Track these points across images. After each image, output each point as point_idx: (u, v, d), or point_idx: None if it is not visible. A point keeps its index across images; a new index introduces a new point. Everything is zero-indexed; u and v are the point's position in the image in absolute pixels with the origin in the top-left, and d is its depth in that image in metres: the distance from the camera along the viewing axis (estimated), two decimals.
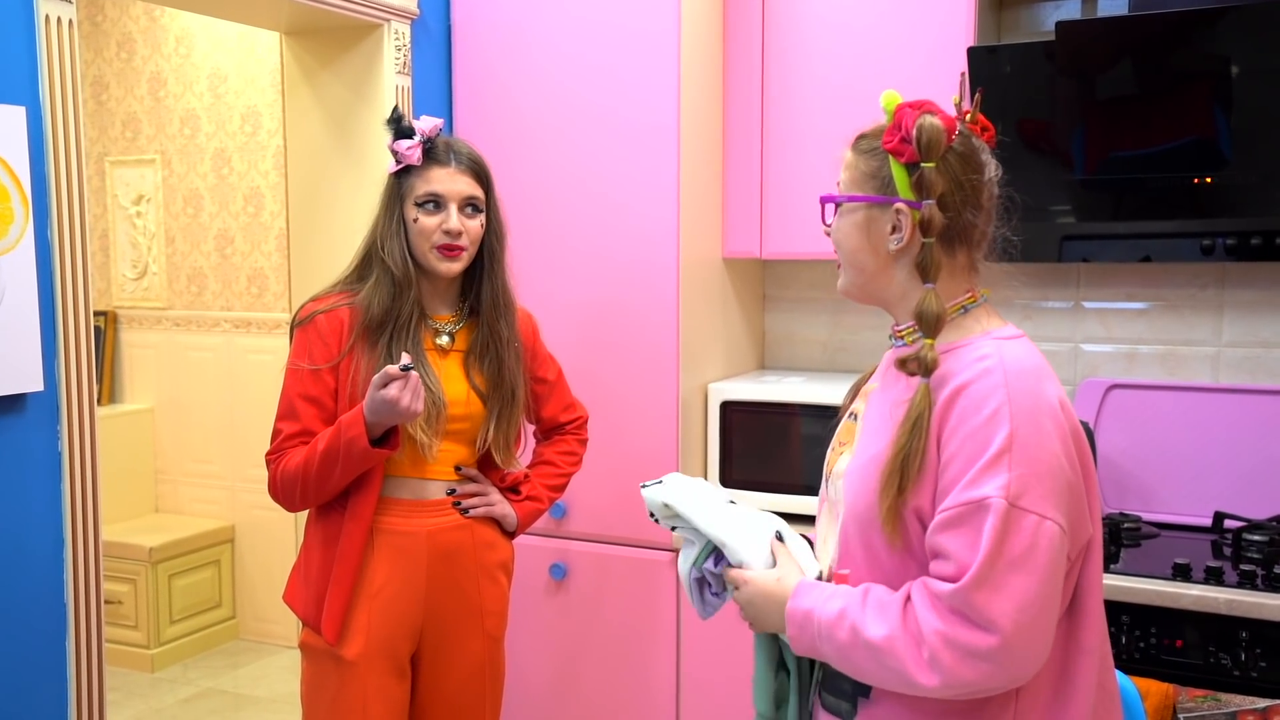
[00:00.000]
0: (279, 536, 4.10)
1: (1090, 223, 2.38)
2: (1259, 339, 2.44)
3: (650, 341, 2.49)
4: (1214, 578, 2.05)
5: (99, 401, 3.25)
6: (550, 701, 2.66)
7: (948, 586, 1.15)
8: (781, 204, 2.60)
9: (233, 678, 3.89)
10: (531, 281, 2.60)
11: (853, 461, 1.31)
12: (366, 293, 1.81)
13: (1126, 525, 2.36)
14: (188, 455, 4.30)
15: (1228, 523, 2.38)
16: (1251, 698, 1.95)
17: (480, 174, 1.89)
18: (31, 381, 1.68)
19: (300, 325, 1.83)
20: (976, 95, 1.37)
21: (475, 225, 1.86)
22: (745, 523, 1.40)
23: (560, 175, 2.56)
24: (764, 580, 1.33)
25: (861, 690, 1.27)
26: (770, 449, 2.54)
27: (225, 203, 4.16)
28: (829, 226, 1.36)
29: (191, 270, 4.26)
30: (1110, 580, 2.08)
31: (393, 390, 1.65)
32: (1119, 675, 1.66)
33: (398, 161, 1.84)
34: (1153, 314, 2.54)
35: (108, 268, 4.41)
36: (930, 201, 1.25)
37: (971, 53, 2.35)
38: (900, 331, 1.33)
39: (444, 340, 1.89)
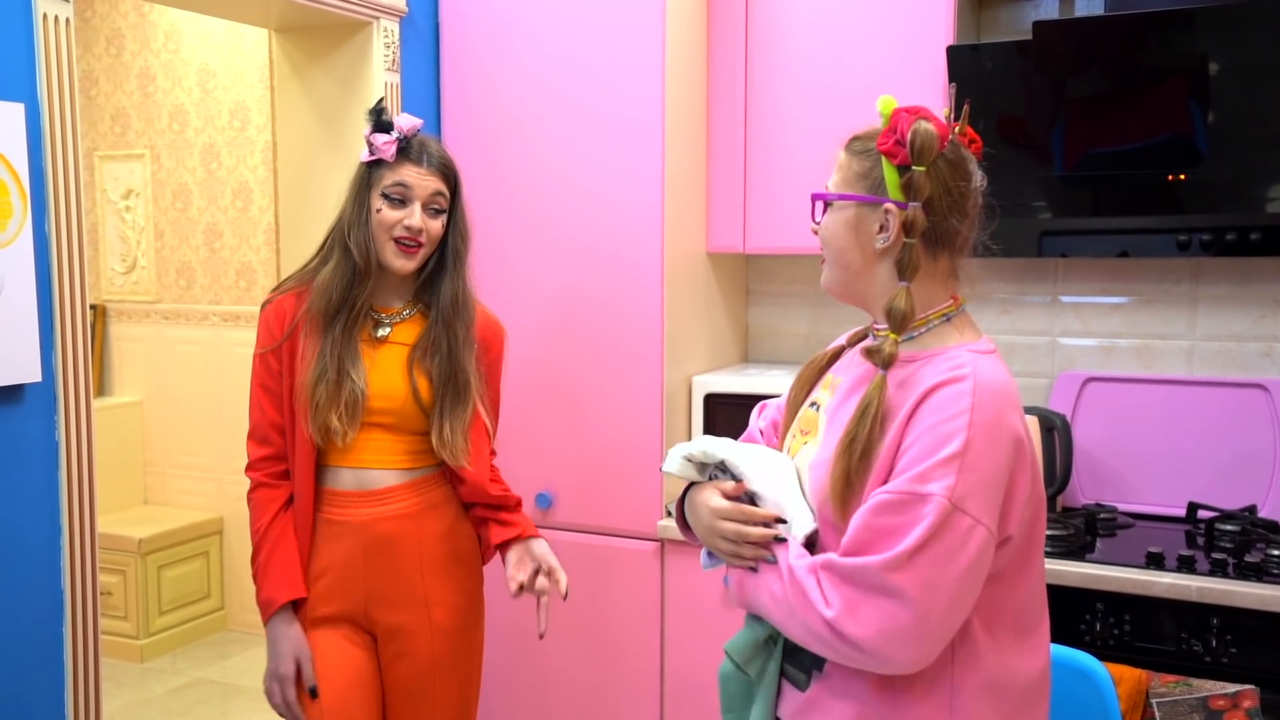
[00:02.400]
0: None
1: (1068, 218, 2.42)
2: (1232, 333, 2.50)
3: (635, 335, 2.52)
4: (1186, 566, 2.10)
5: None
6: (533, 692, 2.70)
7: (857, 561, 1.21)
8: (765, 199, 2.64)
9: (221, 668, 3.92)
10: (516, 275, 2.64)
11: (819, 454, 1.34)
12: (323, 277, 1.85)
13: (1102, 516, 2.41)
14: (176, 447, 4.32)
15: (1201, 513, 2.44)
16: (1222, 683, 2.00)
17: (449, 176, 1.91)
18: (29, 372, 1.71)
19: (260, 313, 1.92)
20: (965, 106, 1.42)
21: (436, 225, 1.89)
22: (771, 468, 1.38)
23: (546, 170, 2.60)
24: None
25: (817, 663, 1.33)
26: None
27: (214, 197, 4.18)
28: (818, 224, 1.40)
29: (180, 264, 4.28)
30: (1085, 569, 2.13)
31: (276, 693, 1.82)
32: (1092, 659, 1.72)
33: (371, 153, 1.86)
34: (1129, 308, 2.59)
35: (97, 261, 4.43)
36: (917, 204, 1.30)
37: (951, 51, 2.39)
38: (880, 330, 1.37)
39: (382, 331, 1.91)
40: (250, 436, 1.89)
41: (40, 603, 1.78)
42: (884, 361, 1.28)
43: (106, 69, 4.31)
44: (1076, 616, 2.15)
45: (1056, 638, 2.13)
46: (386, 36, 2.51)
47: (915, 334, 1.34)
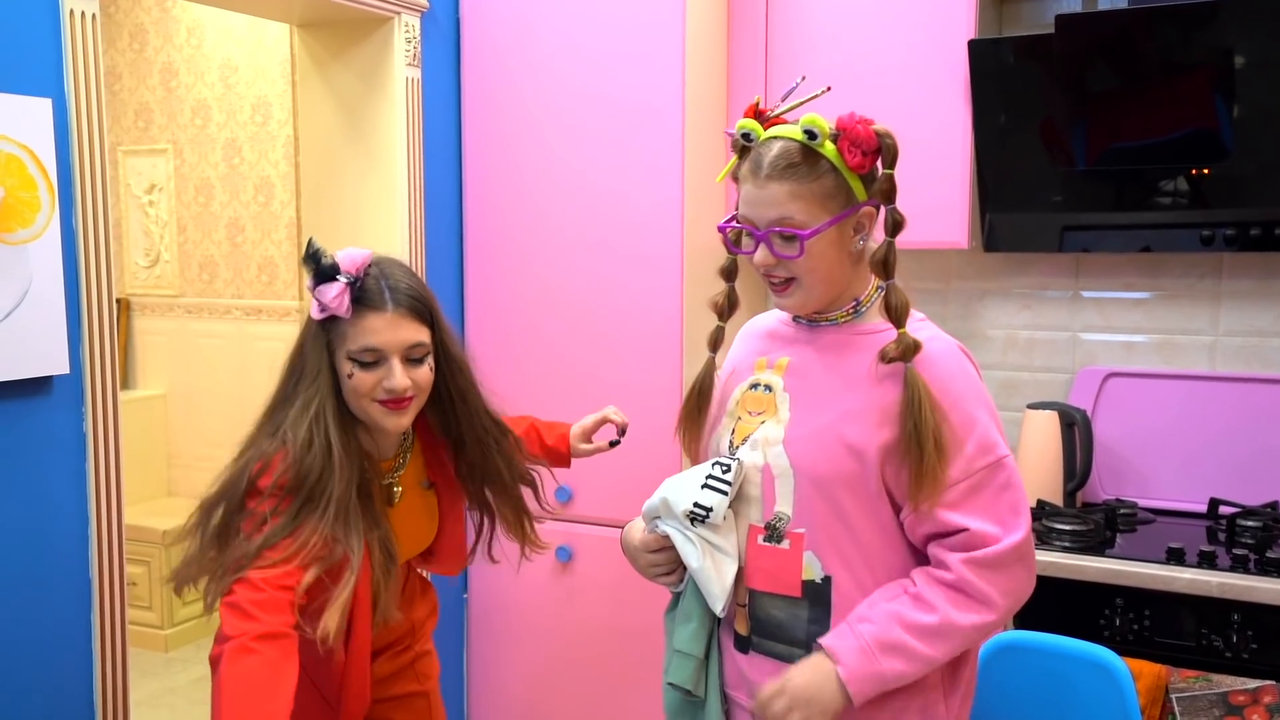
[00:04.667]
0: None
1: (1090, 213, 2.41)
2: (1255, 328, 2.48)
3: (654, 329, 2.53)
4: (1207, 562, 2.09)
5: None
6: (554, 684, 2.72)
7: (998, 549, 1.33)
8: None
9: None
10: (536, 270, 2.65)
11: (794, 429, 1.41)
12: (310, 463, 1.50)
13: (1123, 511, 2.41)
14: (199, 440, 4.36)
15: (1222, 509, 2.43)
16: (1242, 678, 2.00)
17: (423, 313, 1.58)
18: (58, 365, 1.74)
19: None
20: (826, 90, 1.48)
21: (423, 373, 1.58)
22: (683, 476, 1.46)
23: (566, 164, 2.60)
24: (796, 675, 1.36)
25: (819, 636, 1.38)
26: None
27: (236, 192, 4.21)
28: (792, 258, 1.38)
29: (203, 258, 4.31)
30: (1105, 564, 2.12)
31: None
32: (1112, 654, 1.72)
33: (321, 310, 1.52)
34: (1151, 303, 2.58)
35: (121, 255, 4.47)
36: (893, 205, 1.39)
37: (973, 45, 2.39)
38: (832, 315, 1.45)
39: (396, 492, 1.67)
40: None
41: (68, 593, 1.81)
42: (911, 354, 1.35)
43: (130, 64, 4.35)
44: (1096, 611, 2.14)
45: (1076, 632, 2.13)
46: (408, 31, 2.52)
47: (865, 309, 1.45)
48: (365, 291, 1.52)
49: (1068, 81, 2.34)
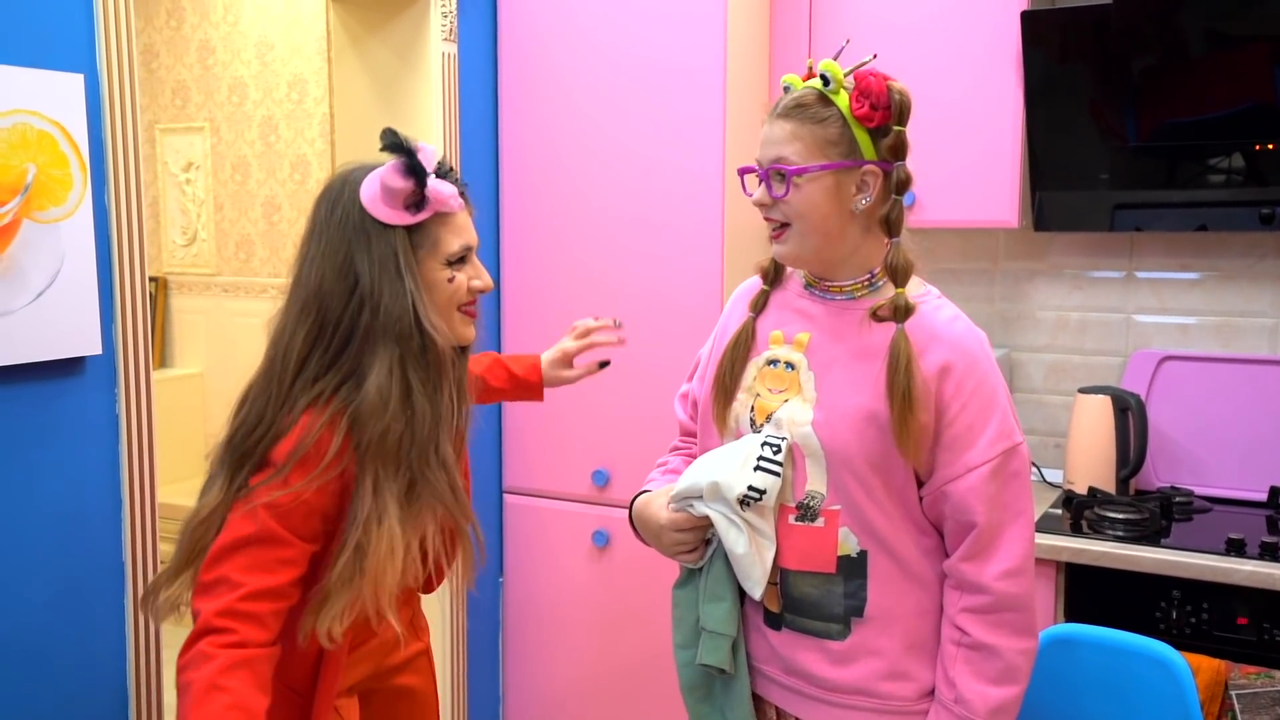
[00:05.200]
0: None
1: (1143, 190, 2.33)
2: None
3: (694, 308, 2.48)
4: (1269, 553, 2.02)
5: None
6: (593, 669, 2.69)
7: (1017, 588, 1.36)
8: None
9: None
10: (573, 248, 2.60)
11: (822, 413, 1.38)
12: (389, 397, 1.33)
13: (1178, 499, 2.33)
14: None
15: None
16: None
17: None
18: (90, 345, 1.71)
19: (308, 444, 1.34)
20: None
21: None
22: (727, 457, 1.41)
23: (605, 139, 2.55)
24: None
25: (856, 610, 1.39)
26: None
27: (272, 170, 4.19)
28: (780, 197, 1.38)
29: (240, 237, 4.31)
30: (1161, 555, 2.05)
31: None
32: (1171, 649, 1.65)
33: (421, 207, 1.36)
34: (1208, 284, 2.49)
35: (158, 234, 4.47)
36: (902, 163, 1.37)
37: (1026, 16, 2.30)
38: (847, 286, 1.43)
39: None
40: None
41: (102, 576, 1.79)
42: (904, 315, 1.35)
43: (167, 41, 4.34)
44: (1152, 604, 2.07)
45: (1131, 625, 2.06)
46: (444, 6, 2.47)
47: (880, 284, 1.41)
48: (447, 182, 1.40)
49: (1122, 54, 2.25)
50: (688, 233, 2.47)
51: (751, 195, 1.43)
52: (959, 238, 2.73)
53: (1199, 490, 2.44)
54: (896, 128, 1.36)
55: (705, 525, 1.43)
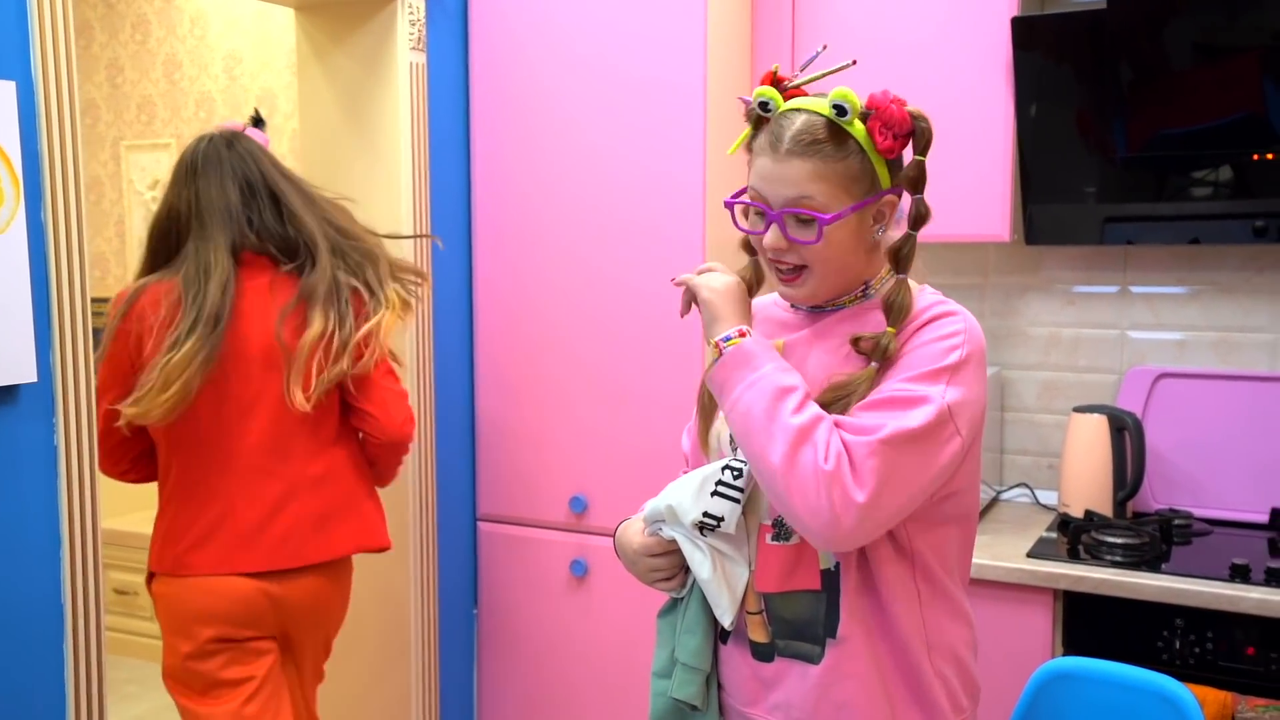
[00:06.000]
0: None
1: (1133, 203, 2.26)
2: None
3: (675, 324, 2.38)
4: (1275, 579, 1.93)
5: None
6: (572, 704, 2.57)
7: (862, 439, 1.19)
8: None
9: None
10: (550, 265, 2.50)
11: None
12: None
13: (1177, 522, 2.24)
14: None
15: None
16: None
17: None
18: (24, 372, 1.60)
19: None
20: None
21: None
22: (689, 481, 1.33)
23: (581, 152, 2.46)
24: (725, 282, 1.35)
25: (830, 630, 1.29)
26: None
27: None
28: (808, 243, 1.26)
29: None
30: (1163, 582, 1.96)
31: None
32: (1177, 684, 1.56)
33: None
34: (1205, 298, 2.41)
35: (124, 254, 4.35)
36: (920, 196, 1.28)
37: (1016, 22, 2.23)
38: (837, 302, 1.34)
39: None
40: None
41: (41, 613, 1.67)
42: (884, 357, 1.25)
43: (132, 56, 4.22)
44: (1154, 633, 1.98)
45: (1132, 656, 1.97)
46: (412, 14, 2.38)
47: (873, 292, 1.34)
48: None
49: (1112, 62, 2.19)
50: (668, 249, 2.38)
51: (755, 233, 1.30)
52: (949, 252, 2.64)
53: (1198, 512, 2.35)
54: (917, 157, 1.27)
55: (679, 551, 1.34)
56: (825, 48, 1.36)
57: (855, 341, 1.27)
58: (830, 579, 1.29)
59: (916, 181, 1.27)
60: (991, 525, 2.35)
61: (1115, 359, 2.49)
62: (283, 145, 3.98)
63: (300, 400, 1.86)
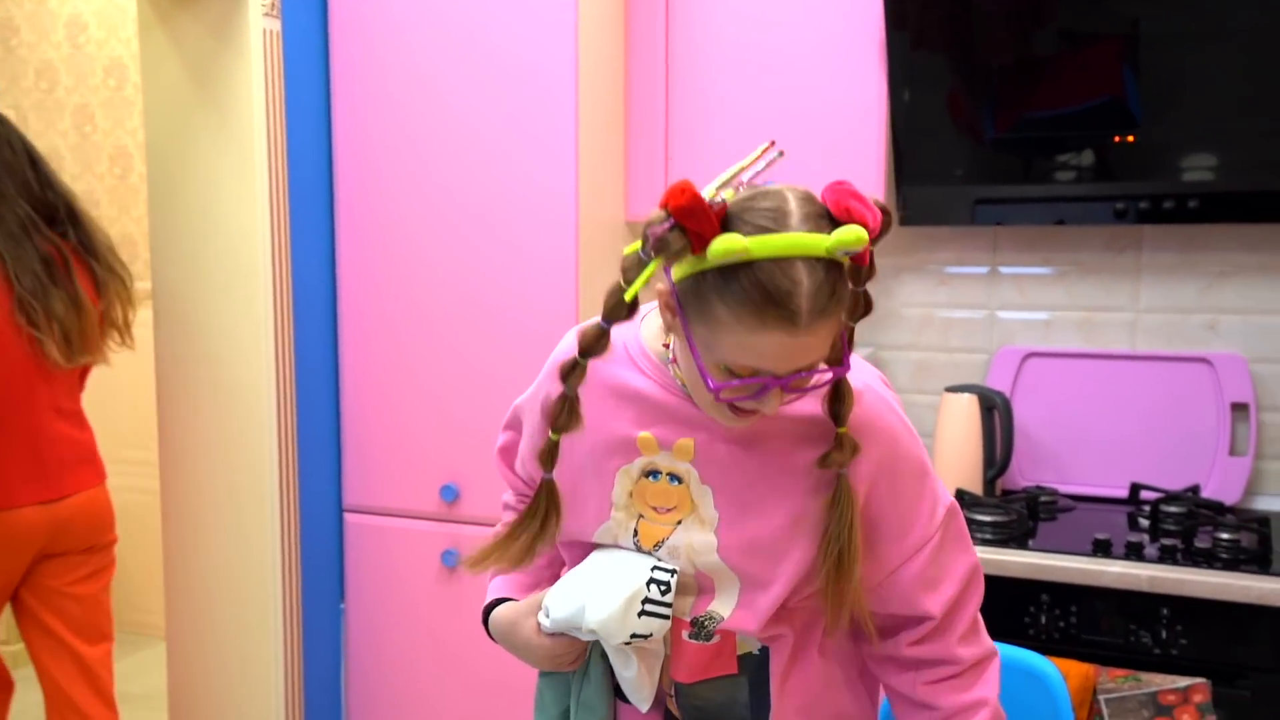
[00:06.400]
0: (155, 521, 3.83)
1: (1002, 185, 2.29)
2: (1176, 305, 2.38)
3: (547, 311, 2.31)
4: (1135, 553, 1.98)
5: None
6: (444, 699, 2.49)
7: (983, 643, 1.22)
8: (688, 164, 2.44)
9: None
10: (417, 249, 2.40)
11: (729, 534, 1.14)
12: None
13: (1043, 499, 2.29)
14: None
15: (1144, 494, 2.33)
16: (1173, 676, 1.89)
17: None
18: None
19: None
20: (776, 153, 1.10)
21: None
22: (607, 593, 1.17)
23: (449, 133, 2.36)
24: None
25: (761, 713, 1.20)
26: None
27: (89, 163, 3.83)
28: (806, 392, 1.09)
29: None
30: (1029, 558, 1.99)
31: None
32: (1043, 659, 1.58)
33: None
34: (1069, 279, 2.46)
35: None
36: (863, 288, 1.07)
37: (889, 4, 2.22)
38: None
39: None
40: None
41: None
42: (848, 459, 1.11)
43: None
44: (1021, 609, 2.01)
45: (999, 632, 2.00)
46: None
47: None
48: None
49: (981, 43, 2.20)
50: (540, 230, 2.31)
51: (742, 399, 1.04)
52: None
53: (1063, 488, 2.41)
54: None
55: (588, 642, 1.23)
56: (774, 145, 1.10)
57: (823, 464, 1.10)
58: (753, 662, 1.20)
59: (864, 276, 1.05)
60: None
61: (985, 339, 2.53)
62: (134, 119, 3.76)
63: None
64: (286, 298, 2.36)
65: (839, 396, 1.10)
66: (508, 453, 1.40)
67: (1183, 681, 1.88)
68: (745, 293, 0.95)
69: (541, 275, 2.32)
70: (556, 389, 1.11)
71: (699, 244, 0.96)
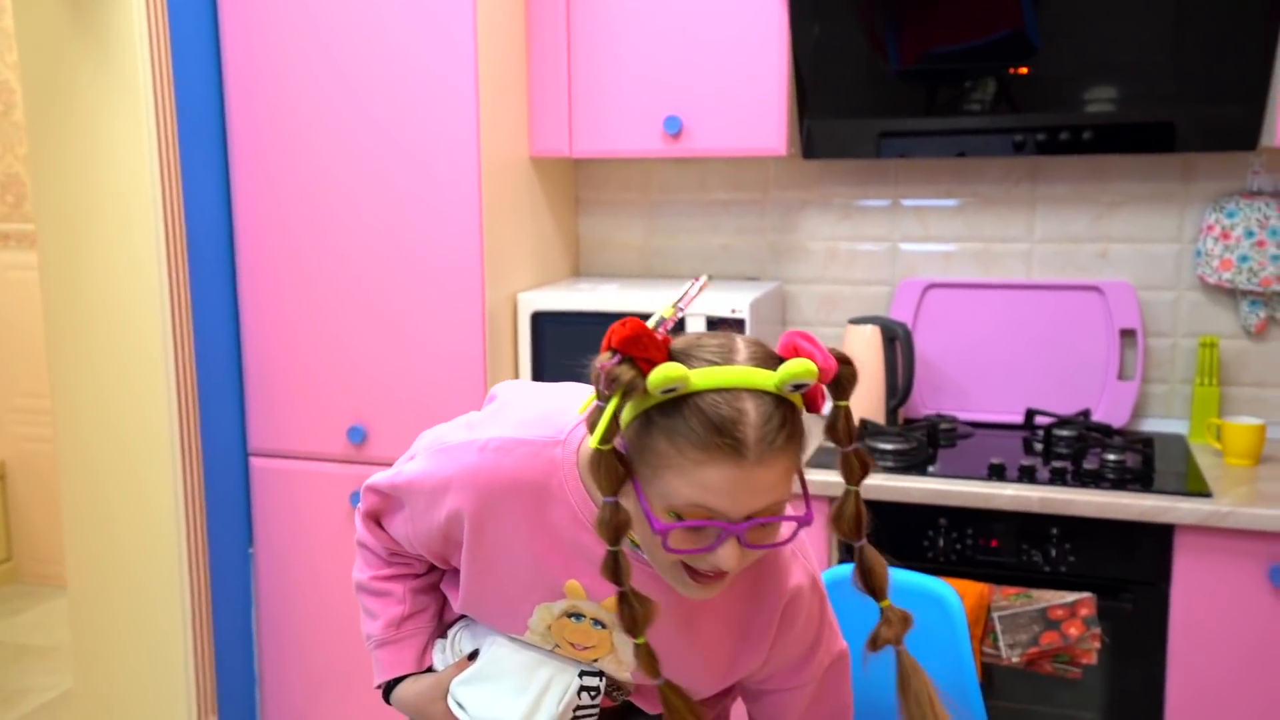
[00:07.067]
0: (55, 471, 3.72)
1: (906, 118, 2.30)
2: (1069, 235, 2.44)
3: (451, 248, 2.28)
4: (1027, 476, 2.05)
5: None
6: (355, 637, 2.49)
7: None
8: (592, 97, 2.41)
9: (11, 625, 3.55)
10: (315, 186, 2.34)
11: (709, 659, 1.15)
12: None
13: (944, 426, 2.35)
14: None
15: (1038, 419, 2.41)
16: (1061, 592, 1.98)
17: None
18: None
19: None
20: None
21: None
22: (530, 683, 1.16)
23: (345, 65, 2.29)
24: None
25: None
26: (586, 362, 2.40)
27: None
28: (773, 546, 1.02)
29: None
30: (928, 484, 2.06)
31: None
32: (942, 583, 1.62)
33: None
34: (969, 211, 2.50)
35: None
36: (855, 446, 1.01)
37: None
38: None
39: None
40: None
41: None
42: (902, 634, 1.06)
43: None
44: (920, 533, 2.08)
45: (900, 556, 2.06)
46: None
47: None
48: None
49: None
50: (442, 166, 2.26)
51: (695, 552, 0.97)
52: (730, 167, 2.64)
53: (962, 416, 2.48)
54: (841, 404, 0.98)
55: None
56: (709, 279, 1.11)
57: (873, 644, 1.06)
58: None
59: (851, 433, 0.98)
60: None
61: (888, 271, 2.57)
62: (13, 54, 3.57)
63: None
64: (179, 237, 2.28)
65: (868, 569, 1.03)
66: (371, 520, 1.29)
67: (1070, 597, 1.97)
68: (689, 424, 0.92)
69: (445, 211, 2.28)
70: (469, 504, 1.09)
71: (649, 370, 0.93)
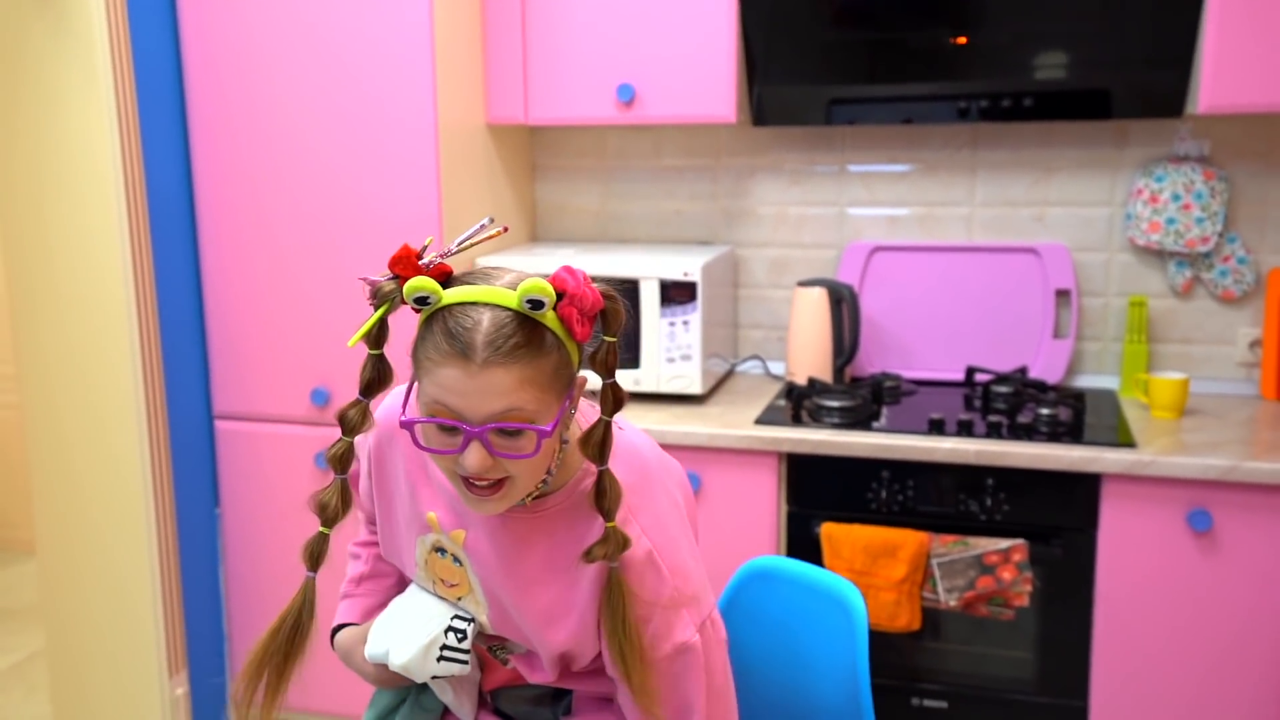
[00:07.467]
0: (15, 434, 3.74)
1: (854, 85, 2.37)
2: (1007, 199, 2.54)
3: (409, 215, 2.33)
4: (965, 430, 2.16)
5: None
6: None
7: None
8: (547, 65, 2.46)
9: None
10: (276, 152, 2.38)
11: (499, 618, 1.25)
12: None
13: (888, 384, 2.45)
14: None
15: (978, 376, 2.51)
16: (995, 539, 2.08)
17: None
18: None
19: None
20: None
21: None
22: (411, 633, 1.27)
23: (302, 32, 2.32)
24: None
25: (565, 708, 1.34)
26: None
27: None
28: (526, 456, 1.08)
29: None
30: (871, 439, 2.15)
31: None
32: (849, 585, 1.51)
33: None
34: (914, 176, 2.59)
35: None
36: (613, 380, 1.13)
37: None
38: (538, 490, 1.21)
39: None
40: None
41: None
42: (615, 553, 1.15)
43: None
44: (864, 485, 2.18)
45: (845, 508, 2.16)
46: None
47: (548, 484, 1.20)
48: None
49: None
50: (400, 130, 2.31)
51: (447, 453, 1.08)
52: (682, 134, 2.70)
53: (907, 374, 2.58)
54: (609, 339, 1.11)
55: None
56: (492, 221, 1.18)
57: (588, 558, 1.15)
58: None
59: (610, 366, 1.12)
60: (725, 396, 2.49)
61: (836, 235, 2.65)
62: None
63: None
64: (140, 201, 2.31)
65: (602, 491, 1.13)
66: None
67: (1004, 543, 2.08)
68: (434, 332, 1.06)
69: (404, 178, 2.33)
70: (372, 447, 1.28)
71: (421, 303, 1.07)
